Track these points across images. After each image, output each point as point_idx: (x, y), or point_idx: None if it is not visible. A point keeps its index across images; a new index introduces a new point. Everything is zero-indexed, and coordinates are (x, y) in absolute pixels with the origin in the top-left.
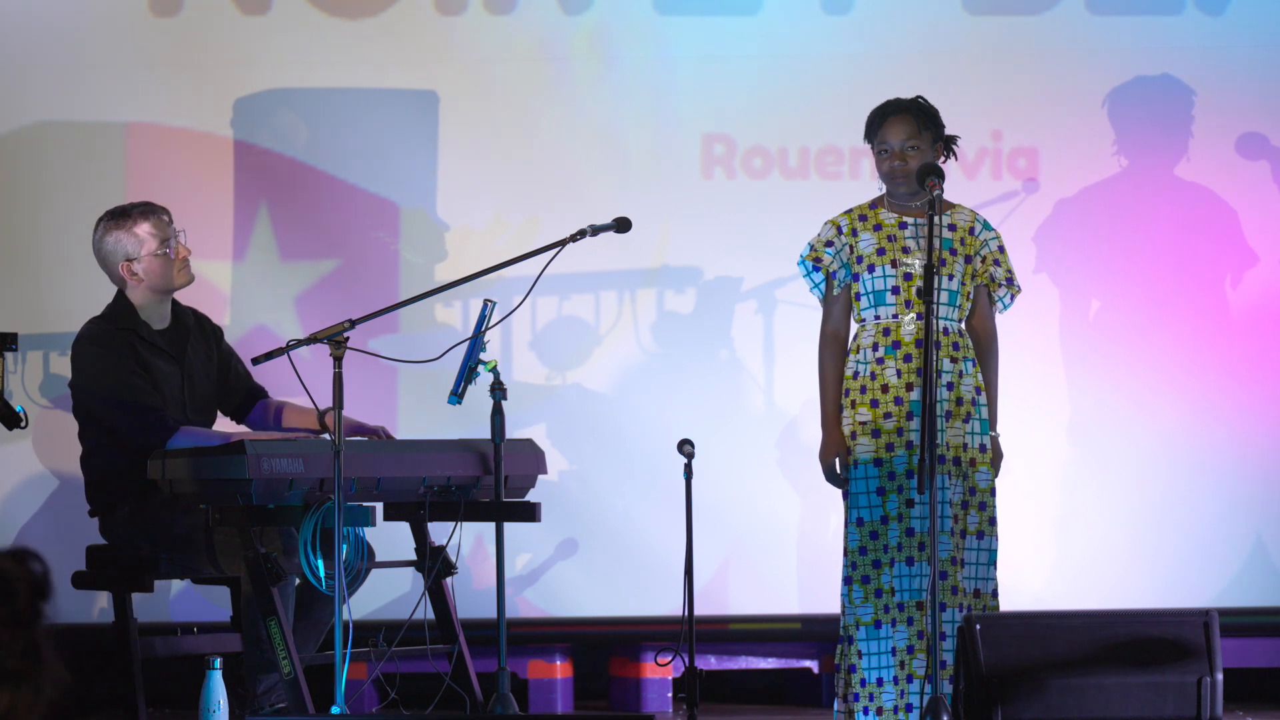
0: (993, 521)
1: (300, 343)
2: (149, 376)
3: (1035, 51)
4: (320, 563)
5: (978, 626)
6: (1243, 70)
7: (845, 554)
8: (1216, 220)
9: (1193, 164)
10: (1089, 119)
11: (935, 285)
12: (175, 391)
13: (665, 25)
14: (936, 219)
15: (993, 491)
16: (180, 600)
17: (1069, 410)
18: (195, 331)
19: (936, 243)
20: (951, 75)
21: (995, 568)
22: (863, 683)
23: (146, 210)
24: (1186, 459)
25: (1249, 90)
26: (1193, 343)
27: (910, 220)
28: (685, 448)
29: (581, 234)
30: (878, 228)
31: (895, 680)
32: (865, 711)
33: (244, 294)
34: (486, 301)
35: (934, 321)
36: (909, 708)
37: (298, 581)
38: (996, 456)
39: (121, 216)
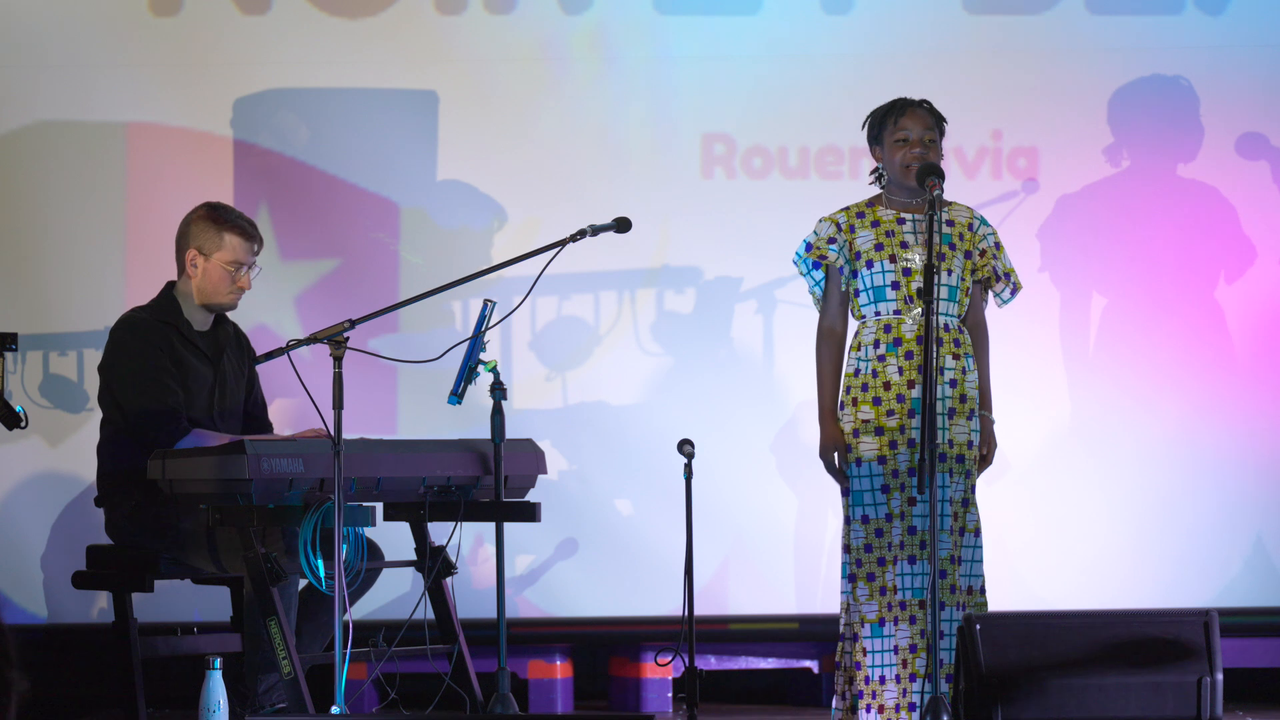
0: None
1: (300, 343)
2: (179, 373)
3: (1035, 51)
4: (320, 563)
5: (978, 626)
6: (1243, 70)
7: (848, 551)
8: (1217, 220)
9: (1193, 164)
10: (1089, 119)
11: (935, 284)
12: (205, 393)
13: (665, 25)
14: (937, 219)
15: (973, 489)
16: (180, 600)
17: (1069, 410)
18: (233, 343)
19: (937, 238)
20: (951, 75)
21: (983, 564)
22: (866, 680)
23: (247, 228)
24: (1186, 459)
25: (1249, 90)
26: (1193, 342)
27: (909, 216)
28: (685, 448)
29: (581, 234)
30: (875, 224)
31: (898, 679)
32: (868, 709)
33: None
34: (486, 301)
35: (934, 320)
36: (911, 706)
37: (305, 583)
38: (988, 438)
39: (222, 214)
